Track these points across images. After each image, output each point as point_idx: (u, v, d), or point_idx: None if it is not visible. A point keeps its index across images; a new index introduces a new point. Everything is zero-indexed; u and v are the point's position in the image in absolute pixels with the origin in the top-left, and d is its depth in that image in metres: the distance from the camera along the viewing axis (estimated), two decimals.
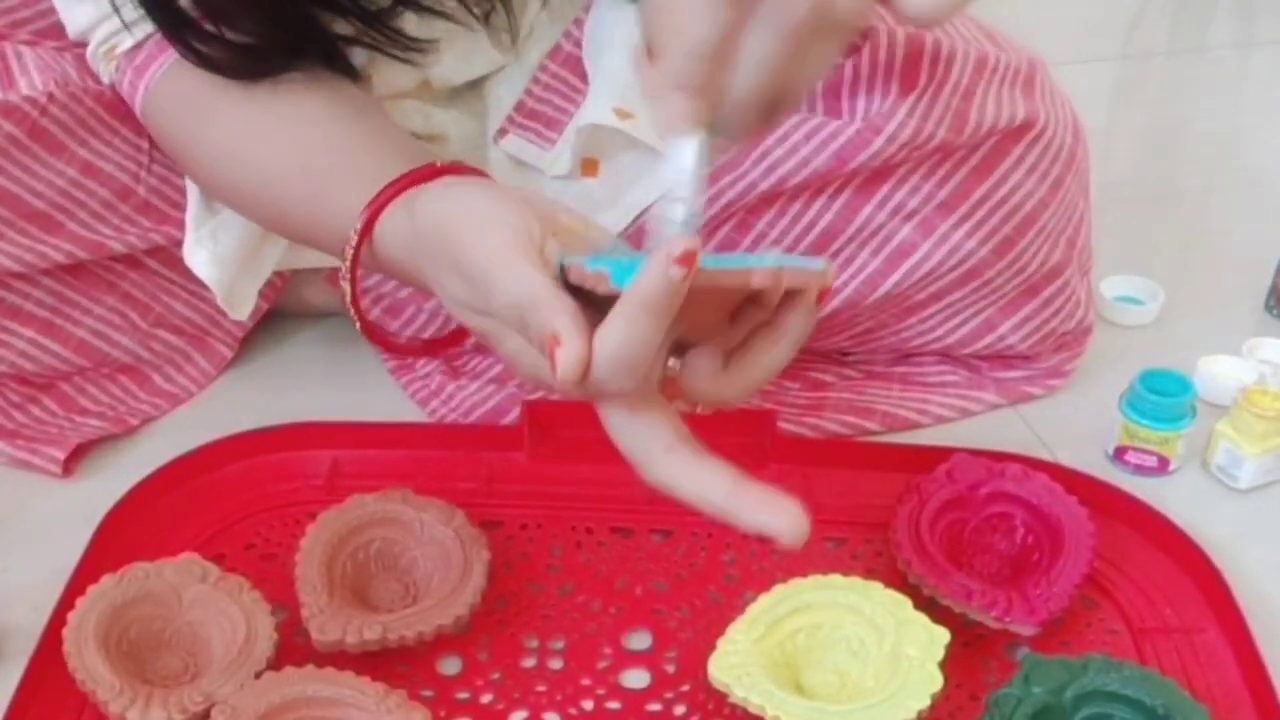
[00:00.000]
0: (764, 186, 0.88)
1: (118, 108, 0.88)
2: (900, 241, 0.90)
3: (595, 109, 0.88)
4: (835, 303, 0.92)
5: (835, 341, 0.97)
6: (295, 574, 0.77)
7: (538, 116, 0.93)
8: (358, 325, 0.76)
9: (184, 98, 0.82)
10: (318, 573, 0.77)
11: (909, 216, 0.90)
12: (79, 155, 0.88)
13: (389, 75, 0.89)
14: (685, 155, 0.63)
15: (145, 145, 0.90)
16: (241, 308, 0.91)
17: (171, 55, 0.81)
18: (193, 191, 0.88)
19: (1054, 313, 0.96)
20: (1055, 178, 0.90)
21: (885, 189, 0.89)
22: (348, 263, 0.73)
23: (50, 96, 0.86)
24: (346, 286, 0.74)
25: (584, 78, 0.92)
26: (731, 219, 0.90)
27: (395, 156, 0.76)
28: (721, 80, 0.63)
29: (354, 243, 0.72)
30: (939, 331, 0.96)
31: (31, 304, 0.90)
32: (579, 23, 0.93)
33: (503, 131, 0.93)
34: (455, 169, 0.74)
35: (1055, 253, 0.93)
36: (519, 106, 0.93)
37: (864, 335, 0.96)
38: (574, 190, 0.91)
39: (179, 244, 0.90)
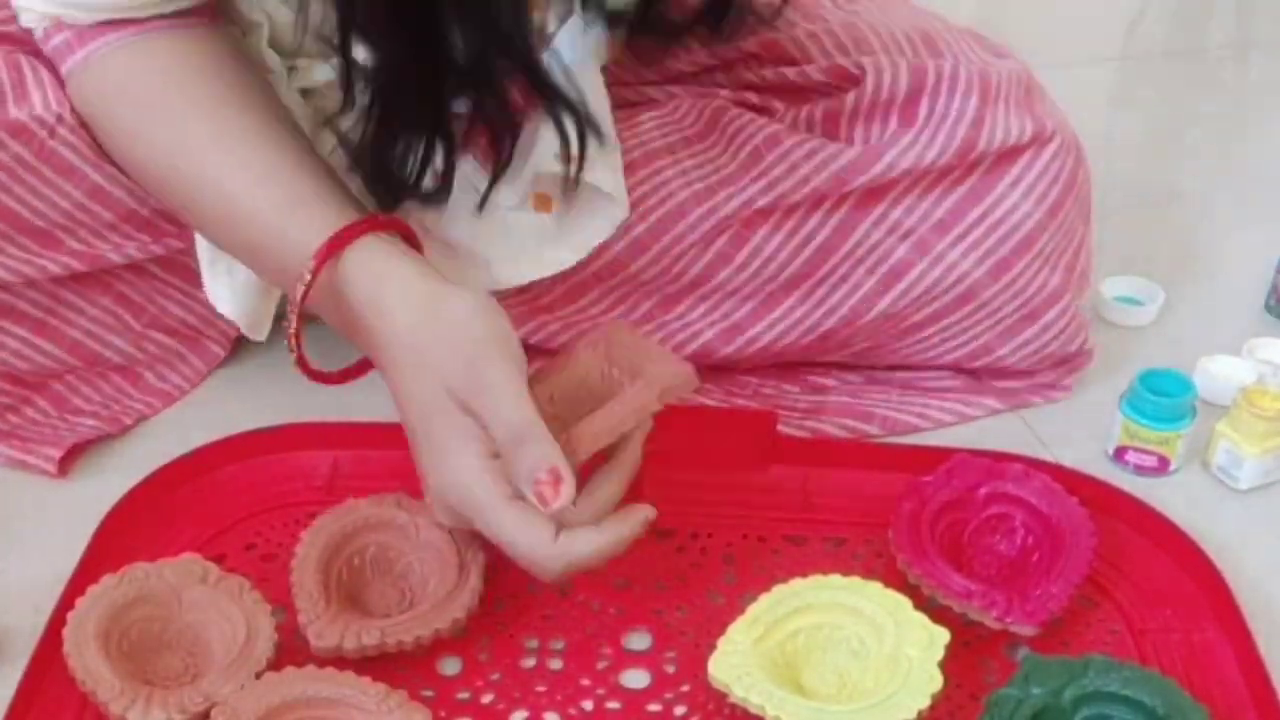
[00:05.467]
0: (762, 203, 0.90)
1: None
2: (896, 260, 0.91)
3: (541, 157, 0.88)
4: (831, 321, 0.93)
5: (835, 358, 0.97)
6: (291, 581, 0.77)
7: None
8: (294, 358, 0.80)
9: (130, 83, 0.82)
10: (313, 579, 0.77)
11: (905, 235, 0.90)
12: (90, 178, 0.86)
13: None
14: None
15: None
16: (261, 329, 0.93)
17: (129, 37, 0.81)
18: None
19: (1053, 337, 0.95)
20: (1054, 200, 0.90)
21: (882, 207, 0.90)
22: (297, 300, 0.77)
23: (59, 118, 0.84)
24: (293, 320, 0.77)
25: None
26: (726, 232, 0.91)
27: (337, 195, 0.80)
28: None
29: (306, 280, 0.76)
30: (936, 351, 0.96)
31: (25, 303, 0.90)
32: None
33: None
34: (389, 224, 0.79)
35: (1054, 277, 0.93)
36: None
37: (863, 353, 0.96)
38: (529, 222, 0.91)
39: (178, 252, 0.90)
